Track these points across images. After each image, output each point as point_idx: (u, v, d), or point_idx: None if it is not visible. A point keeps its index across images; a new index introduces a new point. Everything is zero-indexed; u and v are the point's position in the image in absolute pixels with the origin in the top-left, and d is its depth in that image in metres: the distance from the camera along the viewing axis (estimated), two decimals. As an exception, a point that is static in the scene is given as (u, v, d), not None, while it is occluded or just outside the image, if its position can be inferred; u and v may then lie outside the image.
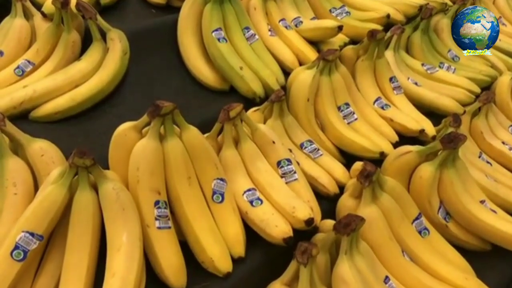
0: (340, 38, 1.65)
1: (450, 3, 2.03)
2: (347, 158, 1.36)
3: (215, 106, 1.38)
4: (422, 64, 1.71)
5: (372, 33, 1.48)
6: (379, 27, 1.67)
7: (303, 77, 1.35)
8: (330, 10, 1.73)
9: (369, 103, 1.48)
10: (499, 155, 1.54)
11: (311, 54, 1.52)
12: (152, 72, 1.44)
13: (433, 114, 1.57)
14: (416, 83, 1.61)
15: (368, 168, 1.08)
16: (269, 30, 1.55)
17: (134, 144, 0.99)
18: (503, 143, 1.56)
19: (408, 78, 1.62)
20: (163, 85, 1.43)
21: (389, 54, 1.64)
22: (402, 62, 1.69)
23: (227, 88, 1.42)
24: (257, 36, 1.48)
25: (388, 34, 1.68)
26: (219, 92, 1.43)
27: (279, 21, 1.58)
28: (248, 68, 1.38)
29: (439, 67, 1.75)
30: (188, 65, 1.45)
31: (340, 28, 1.51)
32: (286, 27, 1.58)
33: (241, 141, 1.14)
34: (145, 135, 1.01)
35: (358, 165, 1.21)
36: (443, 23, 1.93)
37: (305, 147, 1.28)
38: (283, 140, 1.26)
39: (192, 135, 1.03)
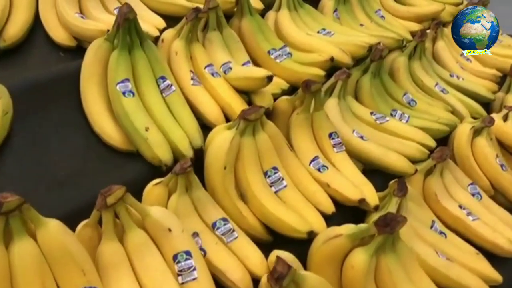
0: (278, 84, 1.46)
1: (409, 37, 1.86)
2: (275, 234, 1.16)
3: (120, 172, 1.19)
4: (371, 113, 1.52)
5: (306, 84, 1.28)
6: (320, 73, 1.47)
7: (219, 141, 1.15)
8: (268, 52, 1.53)
9: (304, 165, 1.28)
10: (455, 222, 1.35)
11: (239, 106, 1.31)
12: (46, 132, 1.22)
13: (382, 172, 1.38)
14: (361, 137, 1.41)
15: (279, 268, 0.87)
16: (192, 79, 1.34)
17: (-30, 250, 0.78)
18: (460, 206, 1.36)
19: (353, 131, 1.42)
20: (59, 147, 1.20)
21: (332, 102, 1.45)
22: (349, 111, 1.49)
23: (135, 150, 1.20)
24: (174, 87, 1.27)
25: (332, 79, 1.49)
26: (128, 154, 1.22)
27: (205, 67, 1.38)
28: (156, 129, 1.17)
29: (391, 115, 1.55)
30: (91, 122, 1.24)
31: (269, 78, 1.31)
32: (212, 74, 1.38)
33: (126, 231, 0.92)
34: (-11, 236, 0.80)
35: (274, 257, 1.00)
36: (400, 61, 1.75)
37: (218, 228, 1.07)
38: (191, 220, 1.05)
39: (50, 235, 0.82)
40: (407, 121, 1.55)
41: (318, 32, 1.71)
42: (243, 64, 1.46)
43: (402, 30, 1.90)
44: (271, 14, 1.69)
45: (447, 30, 2.04)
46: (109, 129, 1.22)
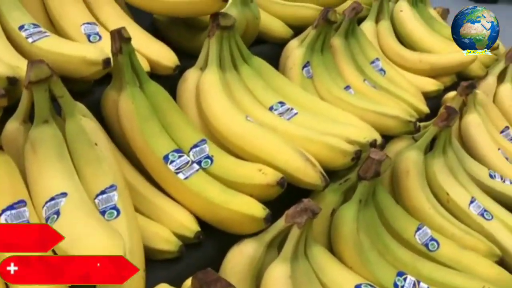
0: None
1: (424, 109, 1.31)
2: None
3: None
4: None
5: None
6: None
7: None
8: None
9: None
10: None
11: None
12: None
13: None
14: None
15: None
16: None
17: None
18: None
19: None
20: None
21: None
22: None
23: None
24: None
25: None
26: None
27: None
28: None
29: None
30: None
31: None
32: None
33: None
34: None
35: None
36: (410, 163, 1.07)
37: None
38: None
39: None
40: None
41: (270, 109, 1.04)
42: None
43: (413, 96, 1.30)
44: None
45: (481, 95, 1.53)
46: None
